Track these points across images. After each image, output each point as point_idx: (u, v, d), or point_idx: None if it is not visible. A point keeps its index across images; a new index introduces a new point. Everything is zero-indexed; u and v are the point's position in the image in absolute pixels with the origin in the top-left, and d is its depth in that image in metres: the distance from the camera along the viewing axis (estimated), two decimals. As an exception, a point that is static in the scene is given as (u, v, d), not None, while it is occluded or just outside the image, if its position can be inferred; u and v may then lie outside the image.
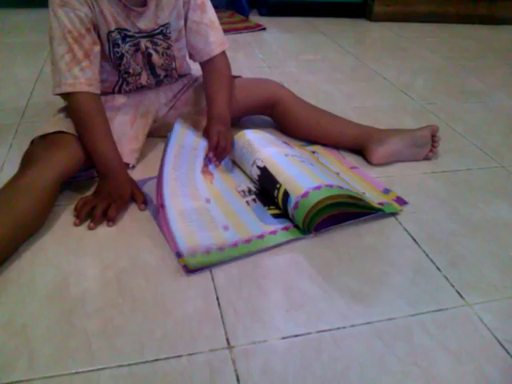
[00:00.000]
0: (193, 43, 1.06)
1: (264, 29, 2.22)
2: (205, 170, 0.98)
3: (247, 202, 0.93)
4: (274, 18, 2.43)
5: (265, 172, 0.92)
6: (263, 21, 2.34)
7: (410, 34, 2.35)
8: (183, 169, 0.95)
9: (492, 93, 1.64)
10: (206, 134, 1.01)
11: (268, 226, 0.86)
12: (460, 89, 1.66)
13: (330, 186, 0.85)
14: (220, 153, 0.99)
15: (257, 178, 0.95)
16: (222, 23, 2.27)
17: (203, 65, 1.10)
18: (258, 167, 0.94)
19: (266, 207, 0.91)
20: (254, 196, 0.94)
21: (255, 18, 2.39)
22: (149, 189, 0.95)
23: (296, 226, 0.86)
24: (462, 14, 2.59)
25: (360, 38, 2.37)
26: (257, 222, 0.87)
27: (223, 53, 1.09)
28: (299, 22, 2.42)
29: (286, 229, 0.86)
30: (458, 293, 0.76)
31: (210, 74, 1.08)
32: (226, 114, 1.04)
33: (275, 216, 0.89)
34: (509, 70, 1.91)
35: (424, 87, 1.65)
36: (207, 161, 0.99)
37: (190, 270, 0.76)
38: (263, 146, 0.98)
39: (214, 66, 1.08)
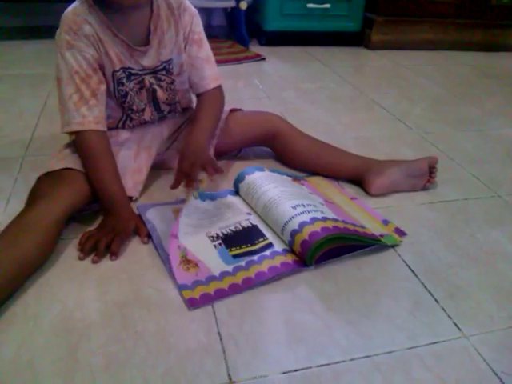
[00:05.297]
0: (188, 76, 1.10)
1: (264, 59, 2.27)
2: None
3: (214, 246, 0.91)
4: (273, 48, 2.48)
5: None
6: (263, 51, 2.39)
7: (407, 62, 2.39)
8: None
9: (489, 120, 1.67)
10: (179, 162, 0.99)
11: (227, 266, 0.86)
12: (457, 117, 1.69)
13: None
14: (189, 182, 0.98)
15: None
16: (222, 53, 2.32)
17: (198, 97, 1.13)
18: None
19: (228, 249, 0.90)
20: (220, 241, 0.93)
21: (255, 48, 2.45)
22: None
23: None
24: (457, 42, 2.65)
25: (358, 66, 2.42)
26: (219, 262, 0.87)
27: (218, 87, 1.12)
28: (298, 52, 2.47)
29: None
30: (455, 325, 0.77)
31: (200, 104, 1.11)
32: (201, 144, 1.01)
33: (235, 256, 0.89)
34: (505, 97, 1.95)
35: (421, 116, 1.68)
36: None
37: (192, 304, 0.77)
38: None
39: (206, 98, 1.11)
